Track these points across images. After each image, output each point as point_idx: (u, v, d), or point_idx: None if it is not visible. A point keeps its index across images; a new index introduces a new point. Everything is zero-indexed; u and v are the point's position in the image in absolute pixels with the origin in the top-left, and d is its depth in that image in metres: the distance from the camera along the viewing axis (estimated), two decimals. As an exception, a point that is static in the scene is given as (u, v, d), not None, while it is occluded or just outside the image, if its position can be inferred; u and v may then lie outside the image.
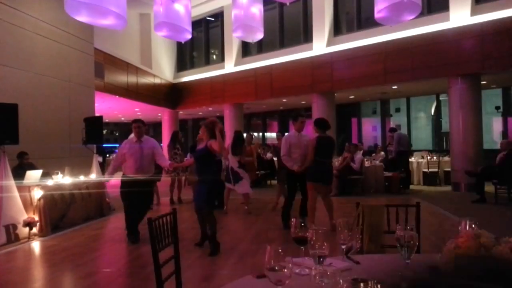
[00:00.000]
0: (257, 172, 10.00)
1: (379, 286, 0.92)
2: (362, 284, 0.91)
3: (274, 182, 12.06)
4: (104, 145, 16.97)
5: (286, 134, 6.31)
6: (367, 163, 10.92)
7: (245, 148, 8.25)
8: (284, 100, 15.88)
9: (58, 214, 6.75)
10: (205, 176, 5.16)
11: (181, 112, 18.86)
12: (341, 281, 0.95)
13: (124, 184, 5.76)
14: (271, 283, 1.30)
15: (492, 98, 14.91)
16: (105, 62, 12.62)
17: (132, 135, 5.90)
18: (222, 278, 4.09)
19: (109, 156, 18.93)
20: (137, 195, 5.65)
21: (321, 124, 6.20)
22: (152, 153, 5.86)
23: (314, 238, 1.57)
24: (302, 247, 1.70)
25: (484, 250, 1.19)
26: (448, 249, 1.29)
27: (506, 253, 1.10)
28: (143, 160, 5.75)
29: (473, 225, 1.70)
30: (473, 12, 10.37)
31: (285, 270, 1.28)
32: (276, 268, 1.28)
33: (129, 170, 5.74)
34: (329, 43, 13.32)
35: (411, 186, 11.41)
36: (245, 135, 9.34)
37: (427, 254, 2.00)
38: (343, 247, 1.72)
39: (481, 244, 1.22)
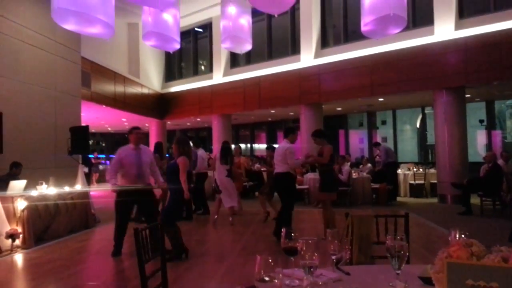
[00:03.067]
0: (245, 184, 9.98)
1: None
2: None
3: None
4: (90, 156, 16.83)
5: (286, 145, 6.39)
6: (354, 175, 10.97)
7: (237, 152, 8.29)
8: (272, 111, 15.93)
9: (42, 225, 6.59)
10: (172, 189, 5.24)
11: (169, 122, 18.77)
12: None
13: (121, 193, 5.54)
14: None
15: (476, 111, 15.18)
16: (92, 71, 12.53)
17: (128, 145, 5.78)
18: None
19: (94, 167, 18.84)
20: (135, 205, 5.56)
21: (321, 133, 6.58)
22: (150, 162, 5.79)
23: (304, 249, 1.54)
24: (292, 258, 1.67)
25: (475, 259, 1.18)
26: (439, 258, 1.28)
27: (498, 262, 1.10)
28: (142, 167, 5.63)
29: (463, 235, 1.70)
30: (457, 27, 10.61)
31: (276, 281, 1.25)
32: (266, 278, 1.26)
33: (127, 178, 5.56)
34: (316, 55, 13.46)
35: (398, 198, 11.48)
36: (233, 146, 9.34)
37: (417, 265, 2.00)
38: (333, 257, 1.70)
39: (472, 253, 1.21)
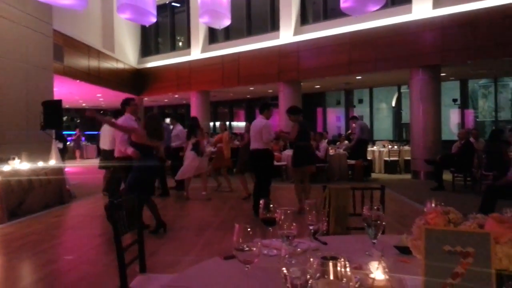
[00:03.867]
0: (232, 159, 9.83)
1: (347, 262, 0.90)
2: (331, 262, 0.89)
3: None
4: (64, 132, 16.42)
5: (263, 121, 6.38)
6: (331, 152, 11.12)
7: (202, 131, 8.22)
8: (251, 88, 15.84)
9: (15, 200, 6.46)
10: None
11: (146, 98, 18.41)
12: (311, 259, 0.95)
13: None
14: (239, 263, 1.28)
15: (449, 91, 15.51)
16: (65, 44, 12.08)
17: (127, 115, 5.59)
18: (188, 263, 4.05)
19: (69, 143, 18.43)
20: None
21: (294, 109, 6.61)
22: None
23: (282, 218, 1.56)
24: (270, 228, 1.69)
25: (452, 226, 1.22)
26: (417, 226, 1.31)
27: (474, 228, 1.14)
28: None
29: (438, 206, 1.75)
30: (435, 5, 10.68)
31: (254, 249, 1.26)
32: (245, 247, 1.26)
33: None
34: (296, 32, 13.35)
35: (373, 174, 11.72)
36: (218, 124, 9.25)
37: (393, 235, 2.05)
38: (311, 228, 1.72)
39: (449, 220, 1.25)
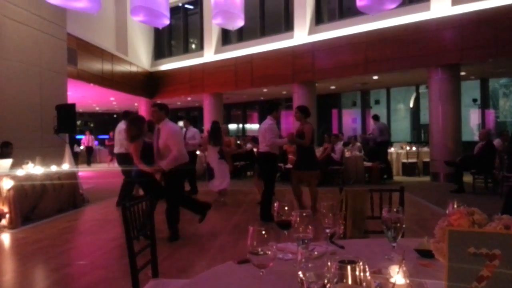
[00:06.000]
0: (237, 164, 9.79)
1: (367, 266, 0.87)
2: (349, 265, 0.86)
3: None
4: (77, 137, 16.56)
5: (267, 122, 6.18)
6: (347, 154, 10.92)
7: (224, 139, 8.10)
8: (264, 90, 15.74)
9: (29, 205, 6.45)
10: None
11: (158, 101, 18.48)
12: (328, 262, 0.91)
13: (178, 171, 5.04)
14: (253, 267, 1.24)
15: (469, 90, 15.15)
16: (79, 48, 12.19)
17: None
18: (202, 268, 3.94)
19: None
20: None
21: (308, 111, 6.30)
22: None
23: (298, 221, 1.52)
24: (285, 232, 1.64)
25: (477, 227, 1.18)
26: (440, 227, 1.27)
27: (500, 229, 1.09)
28: None
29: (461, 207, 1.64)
30: (454, 2, 10.42)
31: (269, 253, 1.21)
32: (259, 251, 1.22)
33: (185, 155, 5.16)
34: (310, 32, 13.21)
35: (389, 177, 11.48)
36: (230, 126, 9.21)
37: (412, 238, 1.93)
38: (328, 231, 1.67)
39: (474, 221, 1.21)
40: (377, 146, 10.95)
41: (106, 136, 19.82)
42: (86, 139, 18.93)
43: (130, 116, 7.25)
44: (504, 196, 5.33)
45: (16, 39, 8.50)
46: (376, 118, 11.48)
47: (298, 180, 6.42)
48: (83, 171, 13.86)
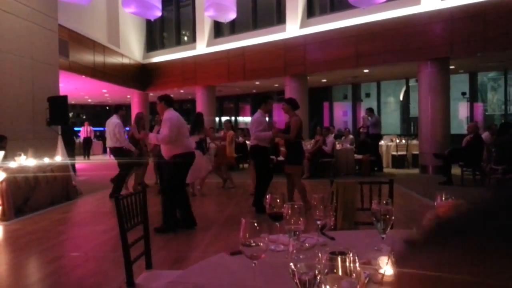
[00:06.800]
0: (234, 155, 9.73)
1: (356, 257, 0.88)
2: (340, 257, 0.86)
3: (247, 165, 12.01)
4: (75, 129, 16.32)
5: (255, 115, 6.21)
6: (338, 146, 11.03)
7: (205, 129, 8.06)
8: (257, 83, 15.76)
9: (22, 197, 6.45)
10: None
11: (151, 94, 18.37)
12: (319, 254, 0.92)
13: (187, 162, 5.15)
14: (246, 259, 1.26)
15: (458, 84, 15.31)
16: (70, 39, 12.07)
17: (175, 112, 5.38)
18: (195, 259, 4.02)
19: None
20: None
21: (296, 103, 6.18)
22: None
23: (289, 213, 1.54)
24: (277, 223, 1.67)
25: None
26: (428, 219, 1.26)
27: None
28: None
29: (449, 200, 1.71)
30: (444, -4, 10.51)
31: (261, 244, 1.24)
32: (251, 242, 1.25)
33: (190, 145, 5.25)
34: (302, 25, 13.23)
35: (379, 169, 11.63)
36: (224, 119, 9.18)
37: (402, 229, 2.00)
38: (318, 223, 1.69)
39: None
40: (369, 138, 11.04)
41: (100, 129, 19.44)
42: (84, 130, 18.13)
43: (121, 110, 7.34)
44: (492, 189, 5.45)
45: (7, 30, 8.40)
46: (371, 111, 11.57)
47: (286, 173, 6.45)
48: (80, 163, 13.83)
